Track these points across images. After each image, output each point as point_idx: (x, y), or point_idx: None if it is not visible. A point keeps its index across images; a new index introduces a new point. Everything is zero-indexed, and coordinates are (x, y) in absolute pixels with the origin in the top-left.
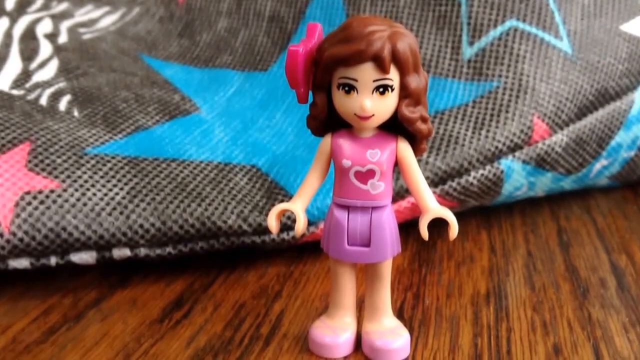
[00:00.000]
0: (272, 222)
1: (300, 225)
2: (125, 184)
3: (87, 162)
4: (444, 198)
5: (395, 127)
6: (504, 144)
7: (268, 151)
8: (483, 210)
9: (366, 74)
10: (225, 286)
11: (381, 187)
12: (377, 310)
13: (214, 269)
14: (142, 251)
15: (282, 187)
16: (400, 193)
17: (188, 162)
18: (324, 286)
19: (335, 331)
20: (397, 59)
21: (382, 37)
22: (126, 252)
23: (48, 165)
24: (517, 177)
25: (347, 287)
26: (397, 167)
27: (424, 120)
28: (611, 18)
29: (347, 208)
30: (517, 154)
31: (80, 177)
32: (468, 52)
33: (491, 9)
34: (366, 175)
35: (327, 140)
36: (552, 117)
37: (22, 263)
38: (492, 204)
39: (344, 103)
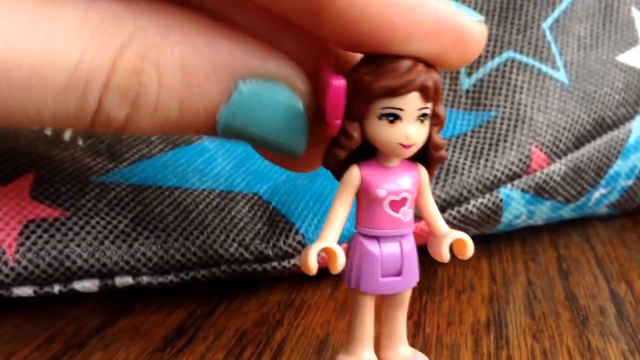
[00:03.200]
0: (314, 263)
1: (341, 262)
2: (129, 212)
3: (91, 190)
4: None
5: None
6: (502, 173)
7: (270, 179)
8: (483, 238)
9: (412, 103)
10: (226, 314)
11: (410, 214)
12: (395, 338)
13: (215, 297)
14: (145, 279)
15: (283, 215)
16: None
17: (191, 191)
18: (325, 314)
19: None
20: (436, 89)
21: (422, 68)
22: (129, 280)
23: (52, 193)
24: (516, 206)
25: (370, 321)
26: None
27: (445, 146)
28: (607, 49)
29: (377, 239)
30: (515, 182)
31: (84, 205)
32: (466, 82)
33: (488, 41)
34: (400, 204)
35: (354, 172)
36: (550, 147)
37: (26, 291)
38: (492, 232)
39: (387, 133)
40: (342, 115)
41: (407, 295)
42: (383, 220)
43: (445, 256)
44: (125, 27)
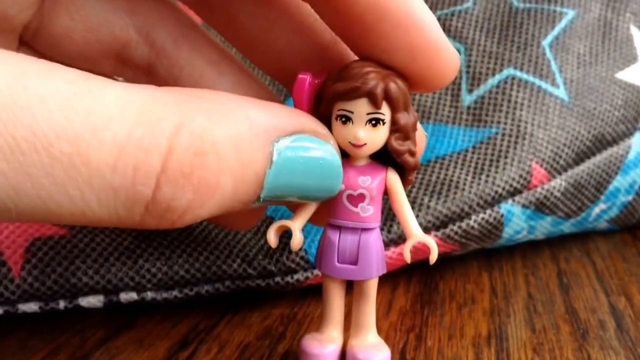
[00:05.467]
0: (272, 237)
1: (296, 241)
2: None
3: None
4: (445, 241)
5: (387, 159)
6: (503, 189)
7: None
8: (484, 252)
9: (361, 107)
10: (229, 327)
11: (370, 211)
12: (362, 326)
13: (218, 310)
14: (149, 295)
15: (286, 231)
16: (403, 237)
17: None
18: None
19: (323, 343)
20: (388, 97)
21: (377, 77)
22: (133, 295)
23: None
24: (517, 221)
25: (336, 303)
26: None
27: (411, 153)
28: (606, 66)
29: (339, 228)
30: (516, 198)
31: None
32: (467, 99)
33: (489, 59)
34: (357, 199)
35: None
36: (550, 163)
37: (32, 307)
38: (493, 247)
39: (340, 132)
40: (306, 107)
41: (370, 286)
42: (342, 212)
43: (406, 257)
44: (171, 112)
